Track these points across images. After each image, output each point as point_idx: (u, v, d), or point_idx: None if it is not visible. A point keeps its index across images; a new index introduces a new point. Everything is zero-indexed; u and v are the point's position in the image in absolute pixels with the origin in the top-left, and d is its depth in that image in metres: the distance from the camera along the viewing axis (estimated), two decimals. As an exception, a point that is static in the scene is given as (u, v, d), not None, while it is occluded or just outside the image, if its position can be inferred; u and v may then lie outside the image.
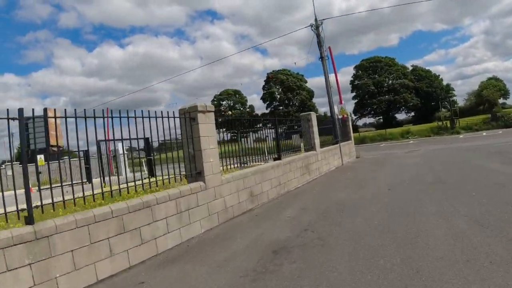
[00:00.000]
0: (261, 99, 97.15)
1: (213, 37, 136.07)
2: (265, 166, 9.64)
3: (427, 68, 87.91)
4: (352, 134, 21.24)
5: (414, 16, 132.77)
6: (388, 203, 7.49)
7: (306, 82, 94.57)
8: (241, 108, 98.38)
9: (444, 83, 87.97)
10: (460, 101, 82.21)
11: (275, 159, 10.81)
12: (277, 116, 10.37)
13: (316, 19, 22.53)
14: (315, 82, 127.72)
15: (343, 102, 20.94)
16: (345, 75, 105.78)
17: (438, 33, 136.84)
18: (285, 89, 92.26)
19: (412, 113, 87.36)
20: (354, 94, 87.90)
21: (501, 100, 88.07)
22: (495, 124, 35.06)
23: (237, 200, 7.88)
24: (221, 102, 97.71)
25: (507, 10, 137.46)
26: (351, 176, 12.74)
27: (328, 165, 15.13)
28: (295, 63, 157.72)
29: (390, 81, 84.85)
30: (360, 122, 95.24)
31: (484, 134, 29.46)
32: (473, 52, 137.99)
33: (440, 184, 8.92)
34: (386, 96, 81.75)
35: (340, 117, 20.45)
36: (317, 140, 14.08)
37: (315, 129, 14.07)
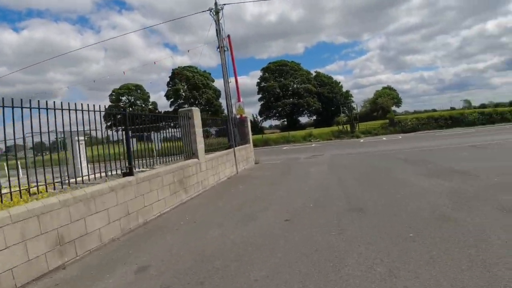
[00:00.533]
0: (165, 96, 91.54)
1: (121, 28, 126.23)
2: (96, 189, 6.00)
3: (328, 75, 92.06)
4: (251, 136, 18.37)
5: (319, 28, 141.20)
6: (283, 254, 4.48)
7: (213, 81, 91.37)
8: (143, 105, 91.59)
9: (344, 90, 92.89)
10: (357, 108, 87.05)
11: (124, 174, 7.20)
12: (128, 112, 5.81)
13: (216, 3, 19.37)
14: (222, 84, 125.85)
15: (241, 99, 18.14)
16: (254, 78, 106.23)
17: (339, 46, 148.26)
18: (191, 86, 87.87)
19: (314, 117, 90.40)
20: (260, 96, 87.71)
21: (393, 108, 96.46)
22: (393, 129, 36.11)
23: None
24: (120, 98, 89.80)
25: (401, 29, 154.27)
26: (242, 193, 9.25)
27: (217, 175, 11.80)
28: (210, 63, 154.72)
29: (295, 85, 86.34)
30: (266, 124, 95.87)
31: (384, 138, 29.23)
32: (369, 64, 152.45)
33: (358, 213, 6.11)
34: (291, 99, 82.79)
35: (238, 116, 17.58)
36: (200, 145, 10.60)
37: (198, 130, 10.55)
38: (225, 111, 23.47)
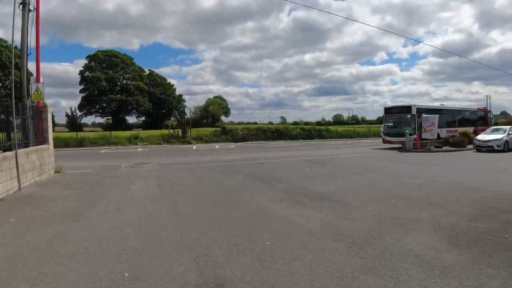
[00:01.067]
0: None
1: None
2: None
3: (163, 76, 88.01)
4: (51, 134, 13.21)
5: (158, 28, 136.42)
6: None
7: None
8: None
9: (177, 93, 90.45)
10: (190, 113, 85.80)
11: None
12: None
13: None
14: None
15: (41, 79, 12.97)
16: (78, 67, 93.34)
17: (176, 50, 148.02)
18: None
19: (144, 118, 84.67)
20: (82, 87, 76.35)
21: (222, 117, 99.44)
22: (225, 137, 35.31)
23: None
24: None
25: (235, 46, 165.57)
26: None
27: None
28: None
29: (125, 81, 78.95)
30: (88, 120, 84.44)
31: (217, 146, 27.66)
32: (202, 74, 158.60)
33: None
34: (119, 96, 75.03)
35: (33, 104, 12.52)
36: None
37: None
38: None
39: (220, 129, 38.00)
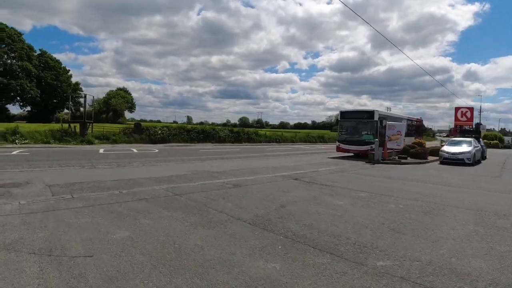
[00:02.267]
0: None
1: None
2: None
3: (57, 59, 73.98)
4: None
5: (54, 11, 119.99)
6: None
7: None
8: None
9: (73, 81, 77.40)
10: (93, 103, 74.30)
11: None
12: None
13: None
14: None
15: None
16: None
17: (73, 36, 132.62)
18: None
19: (29, 108, 70.13)
20: None
21: (126, 112, 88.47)
22: (138, 137, 28.01)
23: None
24: None
25: (139, 39, 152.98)
26: None
27: None
28: None
29: (9, 60, 64.07)
30: None
31: (135, 150, 20.67)
32: (101, 64, 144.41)
33: None
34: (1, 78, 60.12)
35: None
36: None
37: None
38: None
39: (132, 126, 30.47)
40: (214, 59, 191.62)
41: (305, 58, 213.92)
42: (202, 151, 22.89)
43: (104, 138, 26.88)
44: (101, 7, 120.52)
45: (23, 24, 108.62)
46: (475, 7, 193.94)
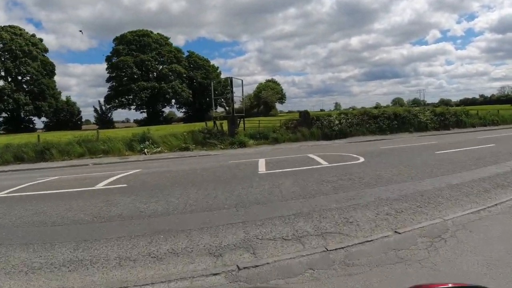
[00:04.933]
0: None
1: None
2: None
3: (205, 57, 72.59)
4: None
5: (201, 24, 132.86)
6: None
7: (46, 50, 63.81)
8: None
9: (223, 77, 75.00)
10: (243, 97, 70.26)
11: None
12: None
13: None
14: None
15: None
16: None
17: (219, 43, 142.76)
18: (7, 53, 59.12)
19: (184, 109, 70.31)
20: (109, 75, 62.99)
21: (277, 104, 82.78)
22: (307, 131, 18.68)
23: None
24: None
25: (277, 35, 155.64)
26: None
27: None
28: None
29: (159, 65, 64.88)
30: (120, 115, 72.02)
31: (320, 160, 10.60)
32: (247, 65, 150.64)
33: None
34: (152, 83, 60.94)
35: None
36: None
37: None
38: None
39: (297, 117, 21.33)
40: (354, 41, 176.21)
41: (458, 22, 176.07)
42: (440, 148, 11.82)
43: (261, 137, 18.38)
44: (239, 13, 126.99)
45: (176, 40, 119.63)
46: None
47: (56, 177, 10.34)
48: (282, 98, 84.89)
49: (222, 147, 17.11)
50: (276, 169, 9.18)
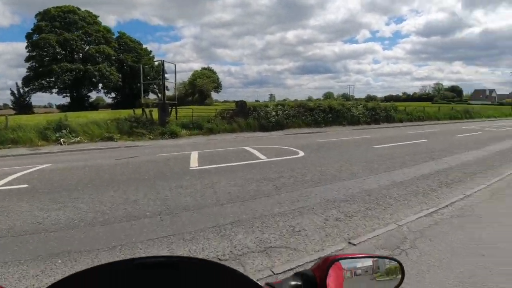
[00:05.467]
0: None
1: None
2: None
3: (137, 40, 68.18)
4: None
5: (134, 4, 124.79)
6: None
7: None
8: None
9: (156, 63, 71.35)
10: (175, 84, 67.26)
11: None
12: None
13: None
14: None
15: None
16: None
17: (154, 27, 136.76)
18: None
19: (113, 94, 65.67)
20: (29, 54, 56.34)
21: (212, 93, 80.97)
22: (244, 122, 17.68)
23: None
24: None
25: (215, 23, 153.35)
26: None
27: None
28: None
29: (86, 45, 59.65)
30: (42, 99, 65.30)
31: (257, 153, 9.78)
32: (182, 51, 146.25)
33: None
34: (78, 65, 55.78)
35: None
36: None
37: None
38: None
39: (233, 107, 20.38)
40: (290, 35, 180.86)
41: (387, 24, 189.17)
42: (376, 143, 11.74)
43: (195, 127, 17.20)
44: None
45: (107, 20, 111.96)
46: None
47: None
48: (218, 87, 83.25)
49: (151, 137, 15.66)
50: (210, 165, 8.19)
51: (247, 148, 11.02)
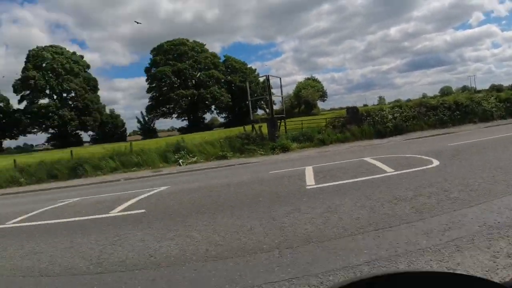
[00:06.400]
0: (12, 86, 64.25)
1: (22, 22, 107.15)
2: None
3: (242, 60, 71.54)
4: None
5: (235, 29, 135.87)
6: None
7: (88, 66, 66.11)
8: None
9: (261, 80, 73.67)
10: (282, 98, 68.29)
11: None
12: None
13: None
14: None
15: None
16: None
17: (255, 47, 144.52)
18: (50, 72, 61.68)
19: (224, 114, 69.66)
20: (148, 86, 63.52)
21: (318, 102, 79.94)
22: (357, 129, 16.45)
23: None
24: None
25: (312, 33, 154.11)
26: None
27: None
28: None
29: (198, 73, 64.76)
30: (164, 124, 73.36)
31: (386, 168, 8.75)
32: (284, 65, 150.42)
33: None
34: (192, 90, 60.83)
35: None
36: None
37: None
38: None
39: (344, 113, 19.24)
40: (393, 31, 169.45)
41: (501, 2, 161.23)
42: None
43: (305, 139, 16.58)
44: (272, 14, 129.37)
45: (213, 47, 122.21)
46: None
47: (77, 199, 9.25)
48: (323, 95, 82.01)
49: (262, 152, 15.53)
50: (328, 182, 7.34)
51: (367, 159, 9.85)
